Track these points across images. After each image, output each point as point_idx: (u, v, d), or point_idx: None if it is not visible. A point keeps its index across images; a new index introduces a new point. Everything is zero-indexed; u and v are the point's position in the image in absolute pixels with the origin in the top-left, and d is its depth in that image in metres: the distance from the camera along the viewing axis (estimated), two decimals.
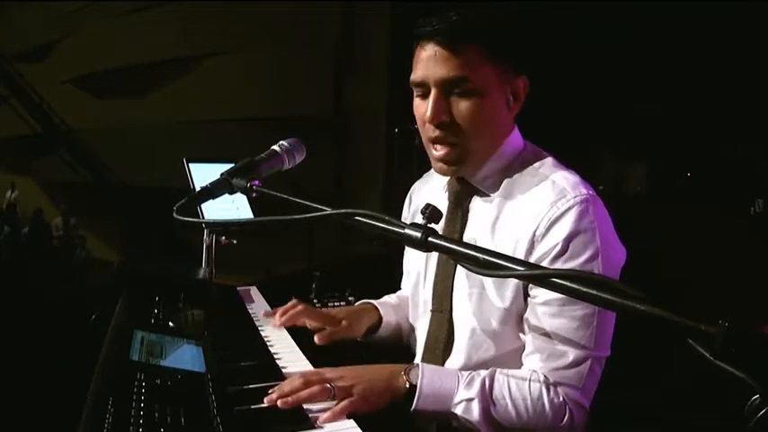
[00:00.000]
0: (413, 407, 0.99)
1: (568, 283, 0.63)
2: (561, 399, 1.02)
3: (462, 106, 1.06)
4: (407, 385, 1.00)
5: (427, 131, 1.10)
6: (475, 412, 0.98)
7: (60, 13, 10.36)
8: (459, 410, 0.99)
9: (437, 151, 1.11)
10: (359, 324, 1.31)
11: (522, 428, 1.01)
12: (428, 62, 1.06)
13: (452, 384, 1.00)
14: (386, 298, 1.48)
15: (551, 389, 1.02)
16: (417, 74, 1.09)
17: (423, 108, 1.09)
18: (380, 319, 1.36)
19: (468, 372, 1.03)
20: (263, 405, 0.95)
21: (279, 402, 0.93)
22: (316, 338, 1.21)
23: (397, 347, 1.42)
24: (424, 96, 1.09)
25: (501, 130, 1.14)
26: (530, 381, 1.02)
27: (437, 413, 1.00)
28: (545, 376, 1.03)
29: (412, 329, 1.34)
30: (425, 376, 1.00)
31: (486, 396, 1.00)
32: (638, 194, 8.20)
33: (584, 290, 0.62)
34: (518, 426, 1.00)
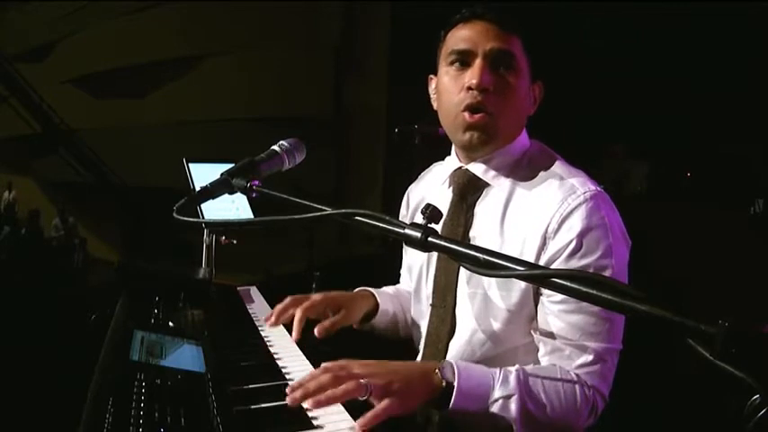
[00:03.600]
0: (450, 405, 0.94)
1: (569, 283, 0.63)
2: (591, 392, 1.03)
3: (507, 79, 1.09)
4: (444, 384, 0.96)
5: (464, 99, 1.09)
6: (513, 409, 0.96)
7: (60, 13, 10.36)
8: (496, 408, 0.96)
9: (471, 118, 1.09)
10: (356, 310, 1.28)
11: (552, 423, 1.00)
12: (478, 35, 1.09)
13: (488, 382, 0.97)
14: (384, 288, 1.47)
15: (583, 386, 1.02)
16: (462, 44, 1.10)
17: (462, 76, 1.10)
18: (377, 305, 1.34)
19: (498, 369, 1.00)
20: (263, 405, 0.95)
21: (310, 402, 0.86)
22: (316, 332, 1.17)
23: (396, 342, 1.41)
24: (463, 65, 1.11)
25: (522, 122, 1.16)
26: (561, 378, 1.02)
27: (472, 411, 0.97)
28: (571, 371, 1.03)
29: (411, 323, 1.33)
30: (462, 375, 0.96)
31: (524, 393, 0.97)
32: (639, 194, 8.20)
33: (585, 290, 0.62)
34: (551, 421, 0.99)
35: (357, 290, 1.42)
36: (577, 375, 1.03)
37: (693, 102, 7.96)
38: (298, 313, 1.19)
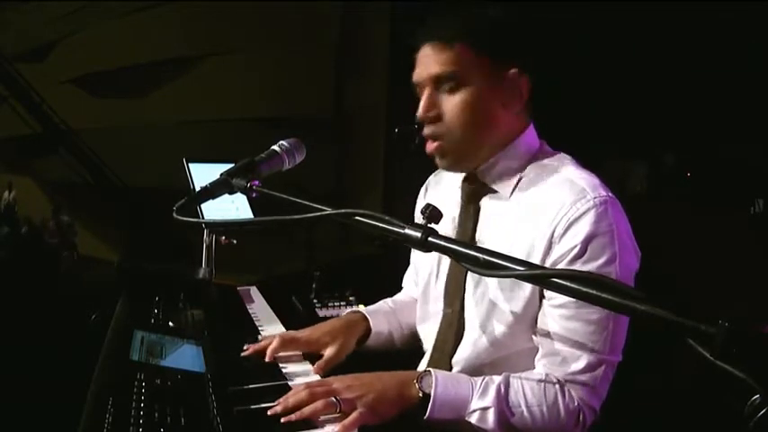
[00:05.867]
0: (426, 416, 0.96)
1: (569, 284, 0.63)
2: (576, 403, 1.02)
3: (451, 102, 1.09)
4: (420, 394, 0.98)
5: (424, 128, 1.12)
6: (490, 421, 0.97)
7: (60, 13, 10.34)
8: (473, 419, 0.97)
9: (428, 148, 1.13)
10: (347, 344, 1.26)
11: None
12: (422, 62, 1.11)
13: (466, 392, 0.98)
14: (380, 304, 1.45)
15: (566, 393, 1.01)
16: (414, 77, 1.13)
17: None
18: (369, 330, 1.33)
19: (482, 378, 1.01)
20: (263, 405, 0.95)
21: (282, 419, 0.91)
22: (314, 370, 1.18)
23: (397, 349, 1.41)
24: (421, 97, 1.12)
25: (498, 127, 1.12)
26: (545, 385, 1.01)
27: (450, 422, 0.98)
28: (559, 380, 1.02)
29: (418, 324, 1.32)
30: (439, 385, 0.98)
31: (502, 404, 0.98)
32: (639, 194, 8.20)
33: (585, 290, 0.62)
34: (532, 430, 0.99)
35: (348, 312, 1.41)
36: (565, 384, 1.02)
37: (693, 101, 7.96)
38: (275, 342, 1.19)
